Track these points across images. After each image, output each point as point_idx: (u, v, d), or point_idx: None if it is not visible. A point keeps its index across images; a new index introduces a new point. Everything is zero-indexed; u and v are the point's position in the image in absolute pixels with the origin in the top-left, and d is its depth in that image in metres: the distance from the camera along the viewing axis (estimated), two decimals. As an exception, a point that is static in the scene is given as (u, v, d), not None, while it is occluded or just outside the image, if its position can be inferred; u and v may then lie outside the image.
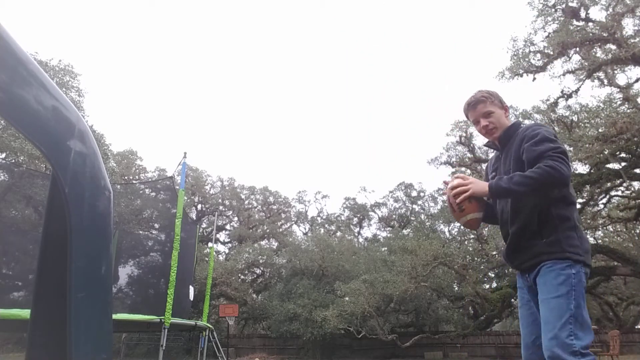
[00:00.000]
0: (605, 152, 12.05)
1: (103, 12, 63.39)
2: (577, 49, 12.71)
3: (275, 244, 28.87)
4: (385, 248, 22.65)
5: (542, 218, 1.88)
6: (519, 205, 1.95)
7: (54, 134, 1.28)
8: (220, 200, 30.00)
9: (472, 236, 19.66)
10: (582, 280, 1.78)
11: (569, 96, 13.78)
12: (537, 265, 1.85)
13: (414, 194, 29.88)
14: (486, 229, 16.79)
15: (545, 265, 1.81)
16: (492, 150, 2.33)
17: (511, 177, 1.83)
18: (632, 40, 11.66)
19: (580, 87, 13.67)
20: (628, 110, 11.85)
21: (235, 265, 22.72)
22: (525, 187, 1.78)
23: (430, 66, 68.24)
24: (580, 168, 13.97)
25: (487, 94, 2.11)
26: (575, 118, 13.64)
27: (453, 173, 21.94)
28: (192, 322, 9.37)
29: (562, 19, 12.59)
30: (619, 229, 19.74)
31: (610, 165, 13.05)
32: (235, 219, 30.66)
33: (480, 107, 2.10)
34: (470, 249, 19.21)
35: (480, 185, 1.91)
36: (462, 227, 17.01)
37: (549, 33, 12.83)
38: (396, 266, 17.27)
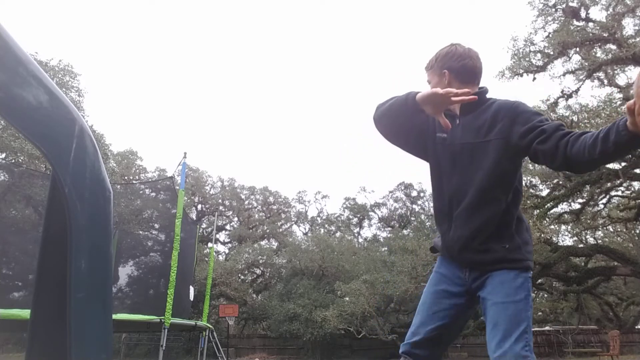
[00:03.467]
0: (606, 152, 12.00)
1: (103, 12, 63.40)
2: (577, 49, 12.71)
3: (275, 244, 28.85)
4: (385, 248, 22.64)
5: (502, 218, 1.62)
6: (488, 195, 1.61)
7: (54, 134, 1.28)
8: (220, 201, 30.01)
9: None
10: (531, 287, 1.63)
11: (569, 96, 13.79)
12: (490, 270, 1.63)
13: (414, 194, 29.92)
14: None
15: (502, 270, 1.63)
16: None
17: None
18: (632, 40, 11.66)
19: (580, 87, 13.68)
20: (628, 111, 11.81)
21: (235, 266, 22.71)
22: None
23: (430, 66, 68.13)
24: (581, 168, 13.93)
25: (432, 59, 1.76)
26: (575, 118, 13.63)
27: None
28: (192, 322, 9.39)
29: (562, 18, 12.61)
30: (619, 229, 19.73)
31: (610, 165, 13.04)
32: (235, 219, 30.66)
33: (427, 73, 1.79)
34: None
35: None
36: None
37: (549, 33, 12.85)
38: (396, 266, 17.26)
